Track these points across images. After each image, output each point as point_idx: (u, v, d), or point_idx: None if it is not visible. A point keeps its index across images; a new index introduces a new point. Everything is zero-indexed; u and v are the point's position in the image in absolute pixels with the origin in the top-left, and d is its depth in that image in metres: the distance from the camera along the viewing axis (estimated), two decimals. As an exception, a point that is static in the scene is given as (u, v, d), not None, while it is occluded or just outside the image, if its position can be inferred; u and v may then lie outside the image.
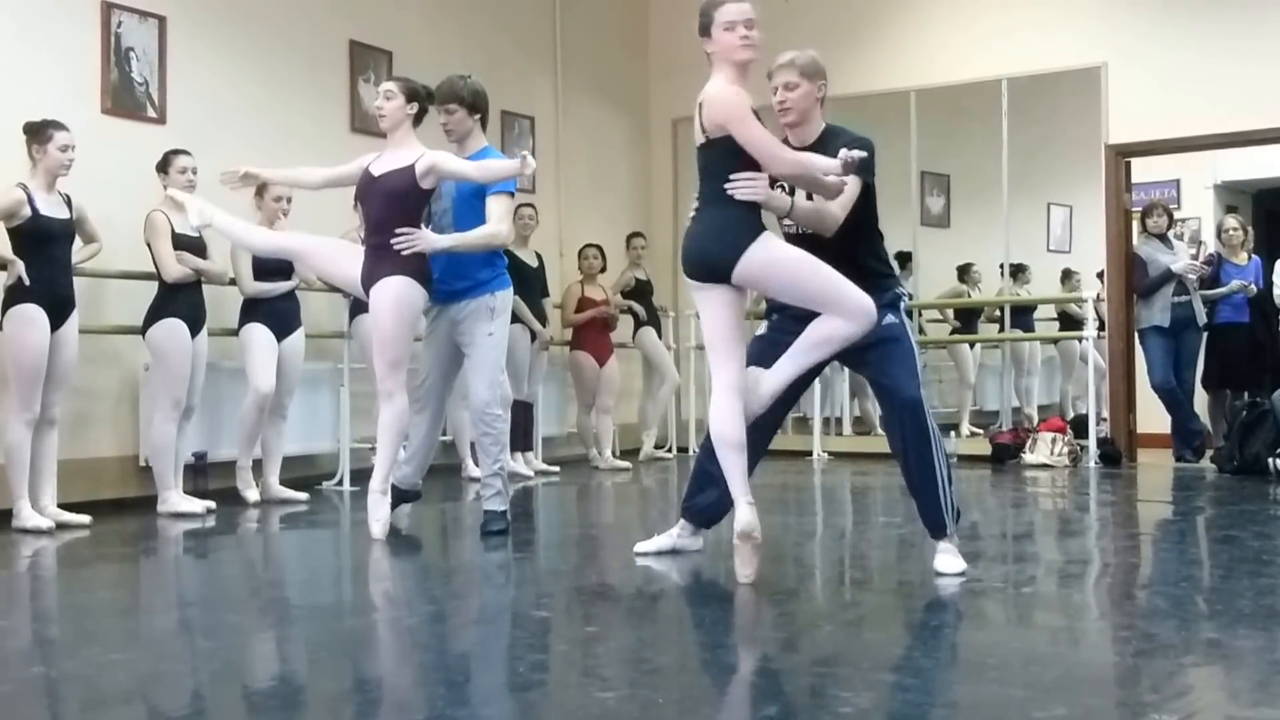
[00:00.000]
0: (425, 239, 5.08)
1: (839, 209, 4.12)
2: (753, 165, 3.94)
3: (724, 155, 3.96)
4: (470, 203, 5.26)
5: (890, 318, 4.18)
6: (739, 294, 4.06)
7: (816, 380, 9.13)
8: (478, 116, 5.37)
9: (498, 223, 5.20)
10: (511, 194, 5.30)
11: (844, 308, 3.91)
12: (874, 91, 9.22)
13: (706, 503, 4.49)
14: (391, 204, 5.08)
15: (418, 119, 5.26)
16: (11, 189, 5.49)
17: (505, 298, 5.36)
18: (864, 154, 3.96)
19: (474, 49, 8.86)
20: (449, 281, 5.29)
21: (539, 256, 8.32)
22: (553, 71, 9.66)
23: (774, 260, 3.96)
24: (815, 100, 4.23)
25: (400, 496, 5.53)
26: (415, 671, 3.22)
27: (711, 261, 3.99)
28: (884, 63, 9.47)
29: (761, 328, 4.44)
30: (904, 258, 9.84)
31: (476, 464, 7.88)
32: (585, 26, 9.92)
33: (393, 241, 5.02)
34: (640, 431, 9.27)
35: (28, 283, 5.41)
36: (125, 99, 6.71)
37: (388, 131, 5.23)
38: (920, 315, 10.22)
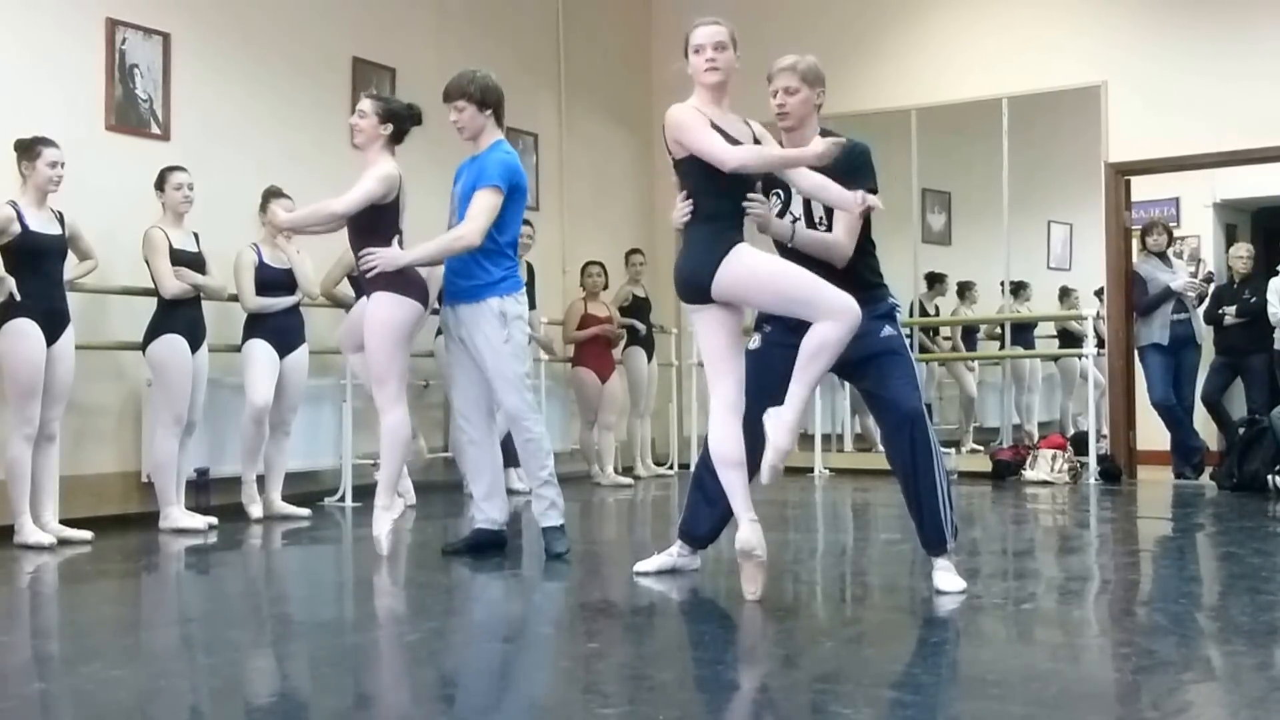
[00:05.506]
0: (383, 257, 4.88)
1: (846, 238, 4.12)
2: (720, 180, 3.96)
3: (692, 173, 4.01)
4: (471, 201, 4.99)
5: (888, 330, 4.17)
6: (732, 312, 4.06)
7: (818, 396, 9.03)
8: (488, 112, 5.08)
9: (470, 220, 4.85)
10: (498, 188, 4.89)
11: (825, 309, 3.83)
12: (875, 109, 9.25)
13: (702, 531, 4.50)
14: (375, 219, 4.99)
15: (397, 138, 5.12)
16: (0, 206, 5.52)
17: (517, 301, 5.01)
18: (836, 151, 3.93)
19: (477, 65, 8.83)
20: (453, 279, 5.01)
21: (530, 268, 8.30)
22: (556, 88, 9.68)
23: (749, 271, 3.95)
24: (813, 107, 4.25)
25: (489, 538, 5.12)
26: (416, 688, 3.22)
27: (692, 280, 4.02)
28: (886, 81, 9.50)
29: (754, 341, 4.32)
30: (936, 278, 9.87)
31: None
32: (588, 43, 9.95)
33: (360, 263, 4.95)
34: (634, 450, 9.21)
35: (18, 298, 5.43)
36: (129, 115, 6.74)
37: (363, 147, 5.10)
38: (937, 334, 10.23)
